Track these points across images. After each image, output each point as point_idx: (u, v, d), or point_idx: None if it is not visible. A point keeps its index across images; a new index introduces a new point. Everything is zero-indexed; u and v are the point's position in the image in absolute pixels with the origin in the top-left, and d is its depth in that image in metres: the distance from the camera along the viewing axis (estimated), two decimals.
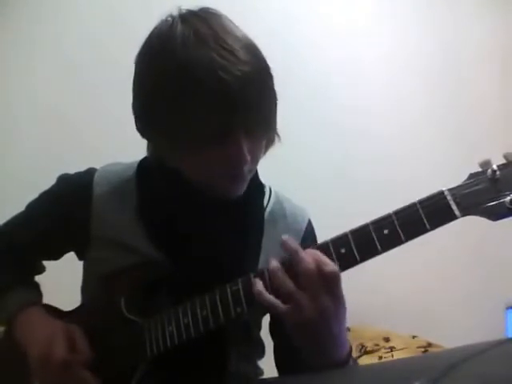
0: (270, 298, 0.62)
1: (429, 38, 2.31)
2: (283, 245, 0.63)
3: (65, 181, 0.85)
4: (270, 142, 0.77)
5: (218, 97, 0.64)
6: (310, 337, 0.62)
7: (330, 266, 0.60)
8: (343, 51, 2.24)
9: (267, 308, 0.62)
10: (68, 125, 2.02)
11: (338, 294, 0.61)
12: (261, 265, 0.79)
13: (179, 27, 0.67)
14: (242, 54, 0.65)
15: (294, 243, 0.63)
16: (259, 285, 0.63)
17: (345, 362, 0.65)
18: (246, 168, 0.71)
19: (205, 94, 0.64)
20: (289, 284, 0.60)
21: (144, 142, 0.81)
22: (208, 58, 0.63)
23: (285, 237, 0.63)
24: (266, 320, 0.89)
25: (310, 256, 0.61)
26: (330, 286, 0.60)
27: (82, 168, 0.86)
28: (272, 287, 0.63)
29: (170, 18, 0.70)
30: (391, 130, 2.23)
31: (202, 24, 0.67)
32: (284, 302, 0.61)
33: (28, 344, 0.77)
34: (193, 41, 0.65)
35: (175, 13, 0.71)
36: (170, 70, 0.66)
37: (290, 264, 0.62)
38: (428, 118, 2.28)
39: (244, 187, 0.76)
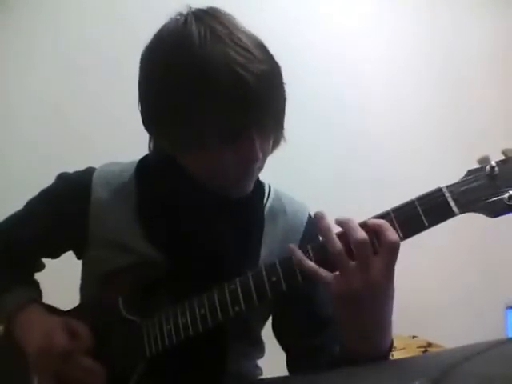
0: (312, 264, 0.59)
1: (429, 37, 2.31)
2: (319, 223, 0.60)
3: (64, 179, 0.85)
4: (277, 141, 0.77)
5: (235, 94, 0.63)
6: (355, 313, 0.59)
7: (394, 234, 0.58)
8: (343, 51, 2.24)
9: (310, 276, 0.60)
10: (68, 124, 2.02)
11: (392, 268, 0.58)
12: (261, 261, 0.79)
13: (194, 25, 0.66)
14: (257, 52, 0.66)
15: (344, 218, 0.60)
16: (298, 252, 0.61)
17: (386, 354, 0.64)
18: (257, 165, 0.71)
19: (223, 90, 0.63)
20: (339, 246, 0.58)
21: (144, 142, 0.81)
22: (226, 55, 0.63)
23: (319, 214, 0.61)
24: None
25: (365, 226, 0.59)
26: (386, 255, 0.57)
27: (82, 168, 0.86)
28: (315, 258, 0.60)
29: (180, 17, 0.70)
30: (391, 129, 2.23)
31: (216, 22, 0.67)
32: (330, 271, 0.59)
33: (27, 340, 0.76)
34: (209, 39, 0.65)
35: (185, 11, 0.70)
36: (186, 67, 0.65)
37: (341, 235, 0.59)
38: (428, 118, 2.28)
39: (252, 185, 0.76)
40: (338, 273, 0.59)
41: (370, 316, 0.60)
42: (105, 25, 2.06)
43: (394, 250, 0.57)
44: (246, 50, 0.65)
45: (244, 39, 0.66)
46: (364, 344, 0.62)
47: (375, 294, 0.58)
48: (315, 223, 0.62)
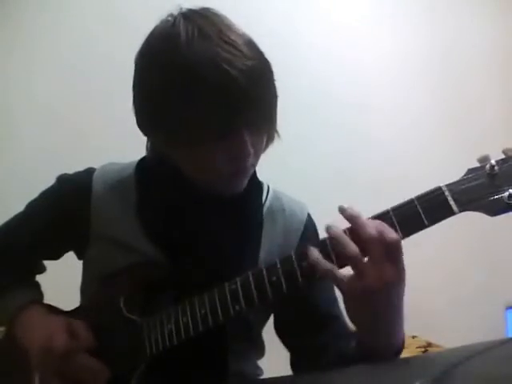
0: (329, 264, 0.59)
1: (429, 37, 2.31)
2: (343, 213, 0.61)
3: (64, 180, 0.85)
4: (270, 139, 0.77)
5: (223, 91, 0.64)
6: (369, 310, 0.60)
7: (393, 233, 0.58)
8: (344, 51, 2.25)
9: (325, 276, 0.60)
10: (68, 125, 2.02)
11: (401, 263, 0.59)
12: (260, 261, 0.79)
13: (182, 25, 0.67)
14: (245, 49, 0.66)
15: (354, 210, 0.61)
16: (315, 252, 0.61)
17: (398, 351, 0.65)
18: (249, 162, 0.71)
19: (211, 88, 0.64)
20: (353, 247, 0.58)
21: (144, 143, 0.81)
22: (213, 52, 0.64)
23: (344, 205, 0.61)
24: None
25: (371, 222, 0.59)
26: (393, 254, 0.58)
27: (82, 168, 0.86)
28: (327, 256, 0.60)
29: (171, 17, 0.71)
30: (391, 129, 2.23)
31: (205, 21, 0.68)
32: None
33: (28, 341, 0.77)
34: (197, 37, 0.65)
35: (176, 12, 0.71)
36: (174, 66, 0.66)
37: (352, 232, 0.60)
38: (428, 118, 2.28)
39: (245, 183, 0.76)
40: (350, 272, 0.59)
41: (384, 313, 0.60)
42: (106, 26, 2.07)
43: (397, 248, 0.58)
44: (234, 47, 0.65)
45: (233, 37, 0.66)
46: (378, 340, 0.63)
47: (388, 290, 0.58)
48: (328, 232, 0.61)
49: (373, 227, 0.58)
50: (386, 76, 2.27)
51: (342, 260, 0.60)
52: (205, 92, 0.64)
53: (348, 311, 0.63)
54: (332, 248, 0.61)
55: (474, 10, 2.35)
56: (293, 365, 0.86)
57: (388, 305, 0.60)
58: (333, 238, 0.60)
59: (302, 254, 0.63)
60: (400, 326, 0.64)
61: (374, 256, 0.57)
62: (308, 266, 0.61)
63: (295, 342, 0.85)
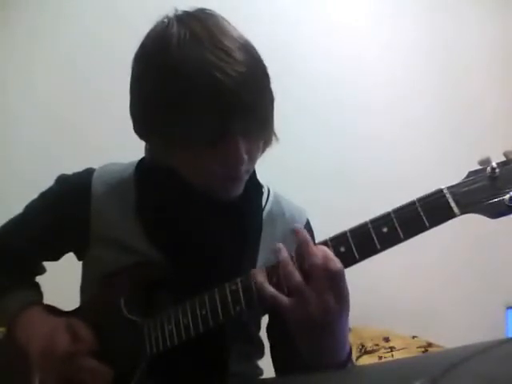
0: (273, 290, 0.61)
1: (429, 37, 2.31)
2: (296, 234, 0.62)
3: (64, 181, 0.85)
4: (267, 142, 0.77)
5: (213, 97, 0.64)
6: (311, 334, 0.61)
7: (336, 262, 0.59)
8: (344, 51, 2.24)
9: (269, 301, 0.61)
10: (68, 125, 2.02)
11: (343, 292, 0.60)
12: (259, 264, 0.79)
13: (175, 28, 0.67)
14: (237, 54, 0.65)
15: (306, 234, 0.62)
16: (260, 276, 0.62)
17: (344, 363, 0.65)
18: (244, 168, 0.70)
19: (200, 94, 0.64)
20: (297, 276, 0.59)
21: (143, 143, 0.81)
22: (203, 58, 0.63)
23: (297, 226, 0.63)
24: (265, 319, 0.89)
25: (319, 250, 0.61)
26: (334, 282, 0.59)
27: (82, 168, 0.86)
28: (273, 281, 0.62)
29: (165, 20, 0.70)
30: (391, 129, 2.23)
31: (198, 24, 0.67)
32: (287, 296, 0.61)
33: (29, 342, 0.76)
34: (188, 41, 0.65)
35: (171, 14, 0.71)
36: (165, 70, 0.66)
37: (298, 257, 0.61)
38: (428, 118, 2.28)
39: (241, 188, 0.76)
40: (294, 299, 0.60)
41: (327, 335, 0.61)
42: (105, 24, 2.07)
43: (340, 277, 0.59)
44: (226, 52, 0.64)
45: (225, 41, 0.66)
46: (322, 357, 0.63)
47: (330, 316, 0.59)
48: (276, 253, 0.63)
49: (319, 255, 0.59)
50: (386, 76, 2.27)
51: (288, 287, 0.61)
52: (195, 97, 0.64)
53: (292, 334, 0.63)
54: (277, 274, 0.62)
55: (473, 9, 2.35)
56: (275, 365, 0.87)
57: (329, 330, 0.61)
58: (280, 264, 0.61)
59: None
60: (341, 346, 0.64)
61: (317, 284, 0.59)
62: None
63: (280, 342, 0.85)
